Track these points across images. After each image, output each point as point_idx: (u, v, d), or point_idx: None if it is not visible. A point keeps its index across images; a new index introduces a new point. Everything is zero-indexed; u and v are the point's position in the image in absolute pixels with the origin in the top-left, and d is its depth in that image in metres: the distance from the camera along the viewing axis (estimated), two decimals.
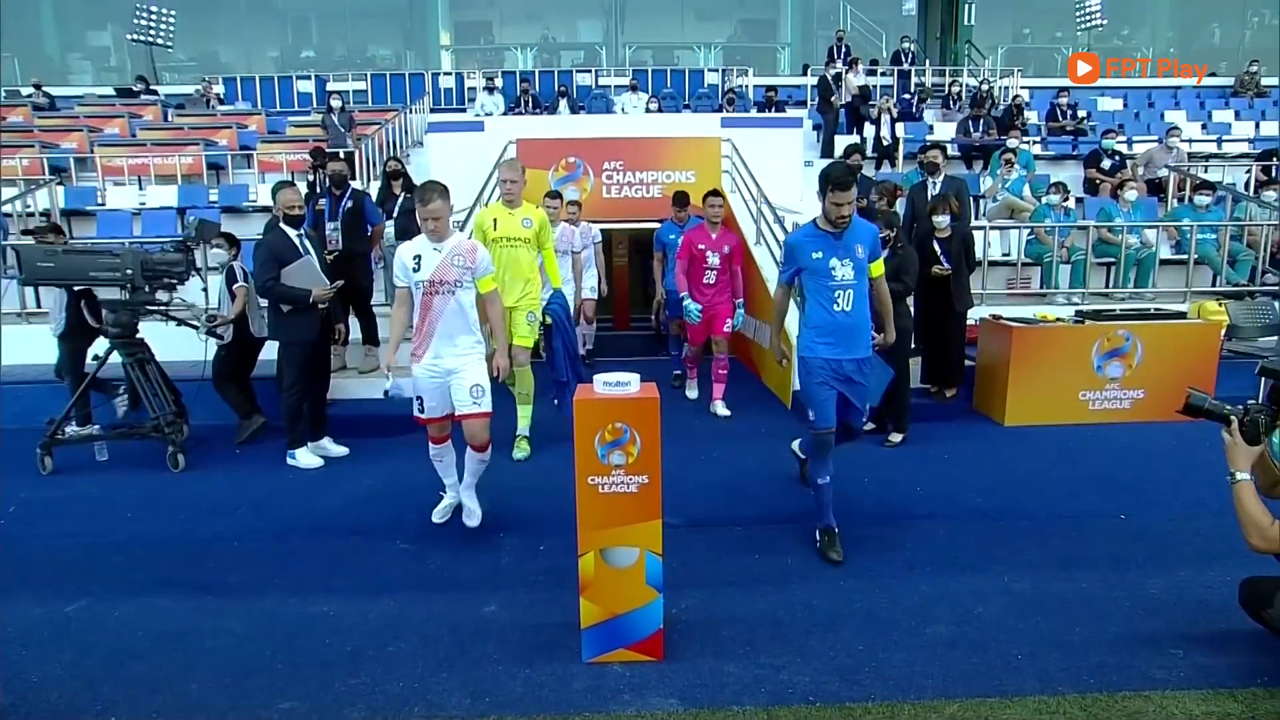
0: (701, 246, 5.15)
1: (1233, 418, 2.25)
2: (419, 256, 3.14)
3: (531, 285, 4.31)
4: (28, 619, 2.70)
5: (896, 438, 4.61)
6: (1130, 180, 7.59)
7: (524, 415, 4.47)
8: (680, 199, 6.22)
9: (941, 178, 5.66)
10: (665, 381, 5.74)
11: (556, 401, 4.79)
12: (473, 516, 3.37)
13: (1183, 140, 9.01)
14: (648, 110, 11.32)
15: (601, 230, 6.99)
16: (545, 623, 2.63)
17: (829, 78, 10.46)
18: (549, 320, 4.54)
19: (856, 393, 3.14)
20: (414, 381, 3.24)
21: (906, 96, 11.31)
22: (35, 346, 5.00)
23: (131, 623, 2.69)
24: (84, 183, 8.94)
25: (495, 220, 4.24)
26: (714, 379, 5.29)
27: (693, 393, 5.70)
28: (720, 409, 5.23)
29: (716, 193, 5.30)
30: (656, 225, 8.99)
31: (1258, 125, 11.04)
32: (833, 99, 10.32)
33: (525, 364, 4.34)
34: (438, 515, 3.50)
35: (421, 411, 3.26)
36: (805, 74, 12.80)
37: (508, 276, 4.18)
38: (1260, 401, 2.29)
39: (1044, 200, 7.34)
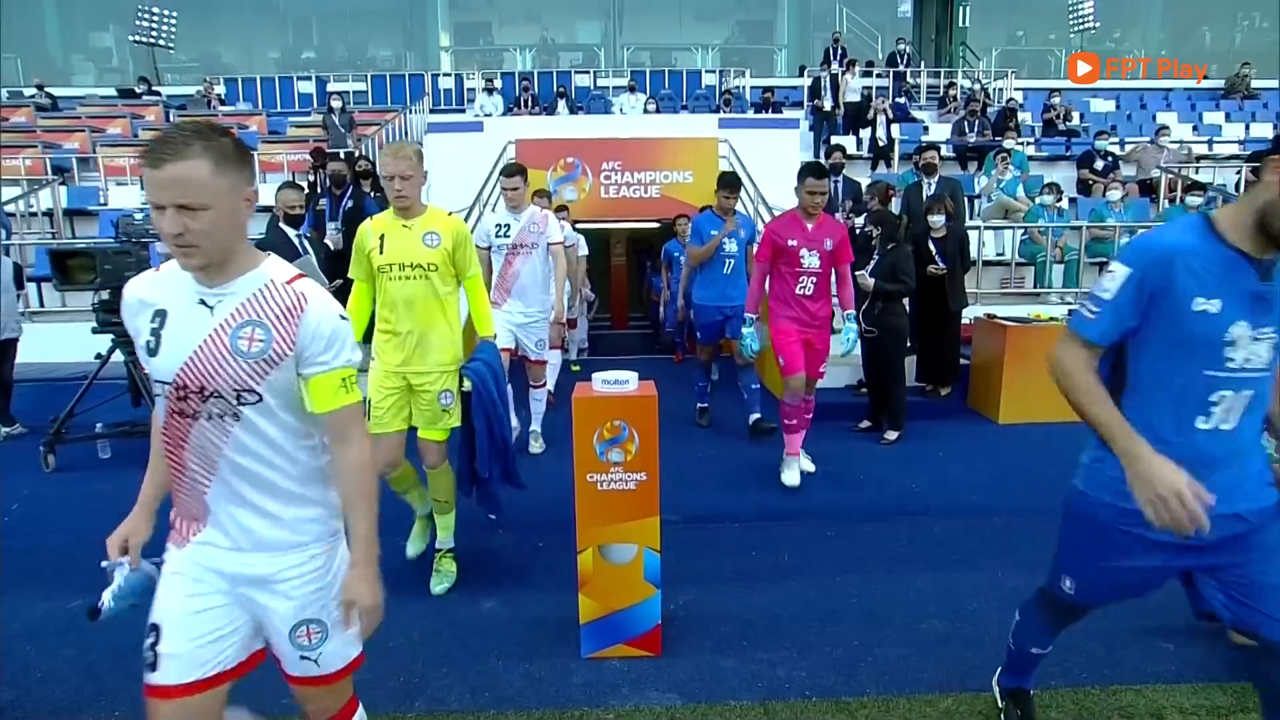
0: (793, 242, 3.62)
1: None
2: (158, 324, 1.33)
3: (445, 341, 2.78)
4: (32, 614, 2.72)
5: (892, 435, 4.65)
6: (1114, 180, 7.67)
7: (445, 525, 3.00)
8: (729, 180, 4.65)
9: (936, 178, 5.73)
10: (665, 382, 5.71)
11: (484, 509, 3.06)
12: None
13: (1171, 141, 9.10)
14: (645, 111, 11.37)
15: (603, 229, 6.87)
16: (544, 618, 2.65)
17: (823, 80, 10.52)
18: (468, 385, 2.81)
19: (1234, 566, 1.52)
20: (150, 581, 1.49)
21: (900, 100, 11.39)
22: (38, 345, 5.03)
23: (134, 618, 2.70)
24: (86, 183, 8.97)
25: (382, 238, 2.69)
26: (799, 426, 3.89)
27: (792, 478, 3.81)
28: (805, 463, 4.03)
29: (821, 172, 3.73)
30: (654, 225, 9.06)
31: (1248, 127, 11.12)
32: (815, 102, 10.37)
33: (437, 464, 2.86)
34: None
35: (153, 665, 1.37)
36: (802, 75, 12.87)
37: (407, 327, 2.72)
38: None
39: (1037, 201, 7.40)
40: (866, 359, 4.86)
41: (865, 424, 4.90)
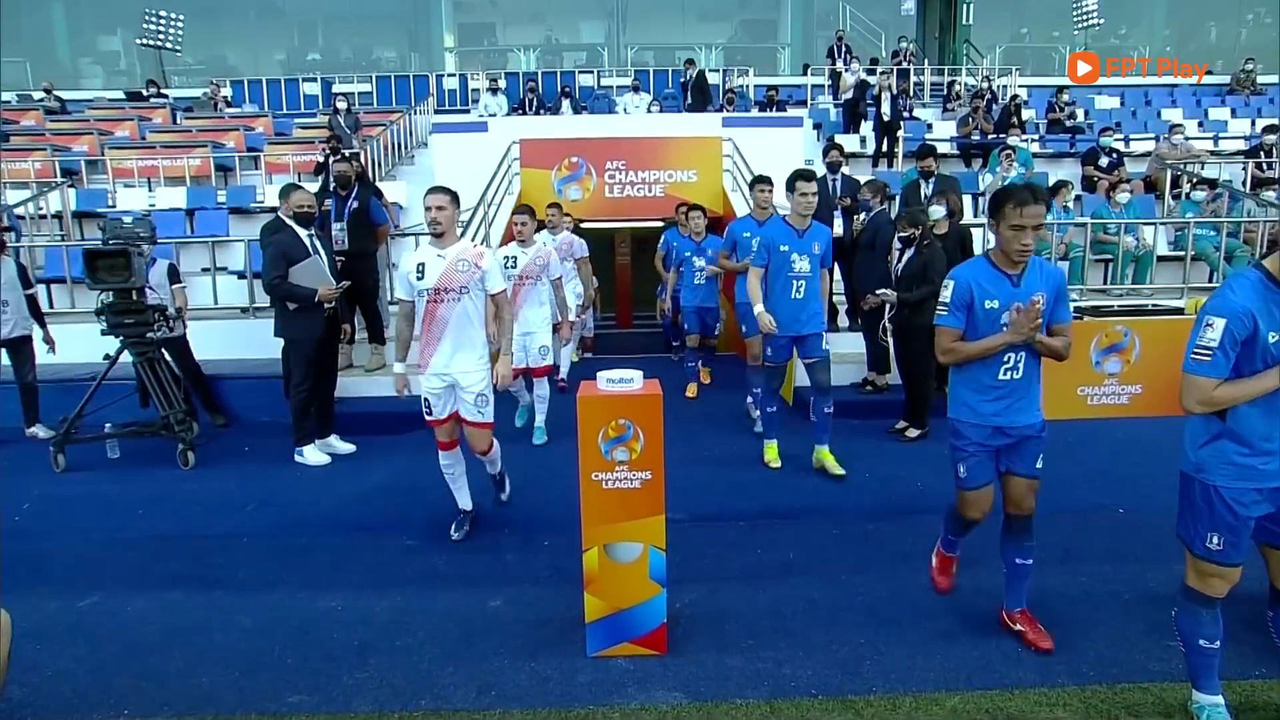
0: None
1: None
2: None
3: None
4: (42, 613, 2.74)
5: (913, 433, 4.65)
6: (1124, 182, 7.62)
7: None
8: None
9: (933, 179, 5.81)
10: (670, 381, 5.69)
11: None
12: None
13: (1182, 138, 9.06)
14: (649, 110, 11.36)
15: (608, 229, 6.74)
16: (550, 617, 2.66)
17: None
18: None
19: None
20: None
21: (898, 95, 11.33)
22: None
23: (143, 617, 2.73)
24: (95, 185, 9.01)
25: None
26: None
27: None
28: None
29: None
30: (659, 224, 9.06)
31: (1254, 122, 11.04)
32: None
33: None
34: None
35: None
36: (806, 74, 12.85)
37: None
38: None
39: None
40: (898, 359, 4.85)
41: (914, 432, 4.74)
